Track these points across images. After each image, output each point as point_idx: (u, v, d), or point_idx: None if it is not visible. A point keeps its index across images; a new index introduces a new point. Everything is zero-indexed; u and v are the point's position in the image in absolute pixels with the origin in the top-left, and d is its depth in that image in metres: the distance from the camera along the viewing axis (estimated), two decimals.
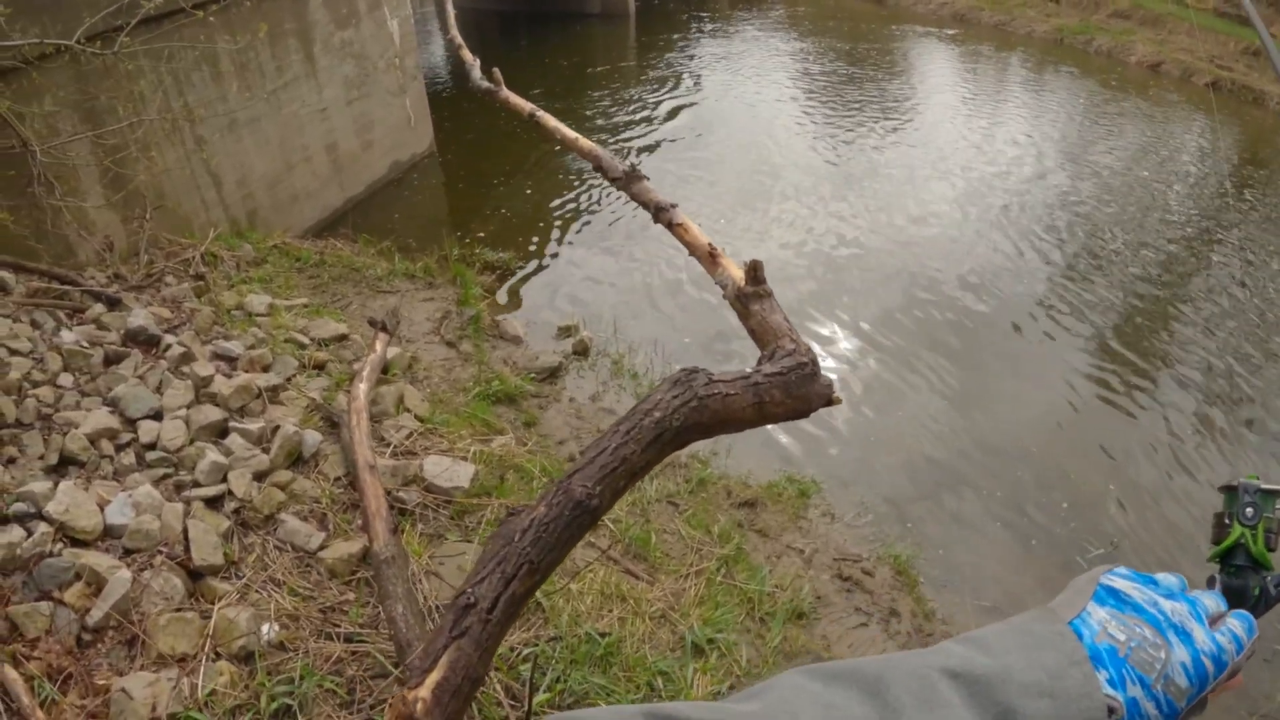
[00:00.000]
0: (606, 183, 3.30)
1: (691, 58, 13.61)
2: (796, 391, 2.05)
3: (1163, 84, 16.40)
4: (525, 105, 4.13)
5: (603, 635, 3.38)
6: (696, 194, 9.24)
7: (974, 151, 11.23)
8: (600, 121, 11.92)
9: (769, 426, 5.37)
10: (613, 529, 4.27)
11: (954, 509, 5.26)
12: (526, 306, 7.27)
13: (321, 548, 3.31)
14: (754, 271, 2.33)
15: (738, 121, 11.23)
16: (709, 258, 2.56)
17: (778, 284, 7.63)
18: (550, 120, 3.91)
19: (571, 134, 3.66)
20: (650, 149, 10.85)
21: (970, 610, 4.51)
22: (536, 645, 3.07)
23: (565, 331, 6.49)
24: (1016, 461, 5.78)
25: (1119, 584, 0.63)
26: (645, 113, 12.09)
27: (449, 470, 3.96)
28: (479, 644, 1.34)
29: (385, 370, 4.98)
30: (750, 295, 2.32)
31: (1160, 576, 0.66)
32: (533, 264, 8.06)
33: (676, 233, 2.65)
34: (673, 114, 11.95)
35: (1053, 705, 0.54)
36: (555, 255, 8.35)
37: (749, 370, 2.07)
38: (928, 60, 15.42)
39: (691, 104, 12.25)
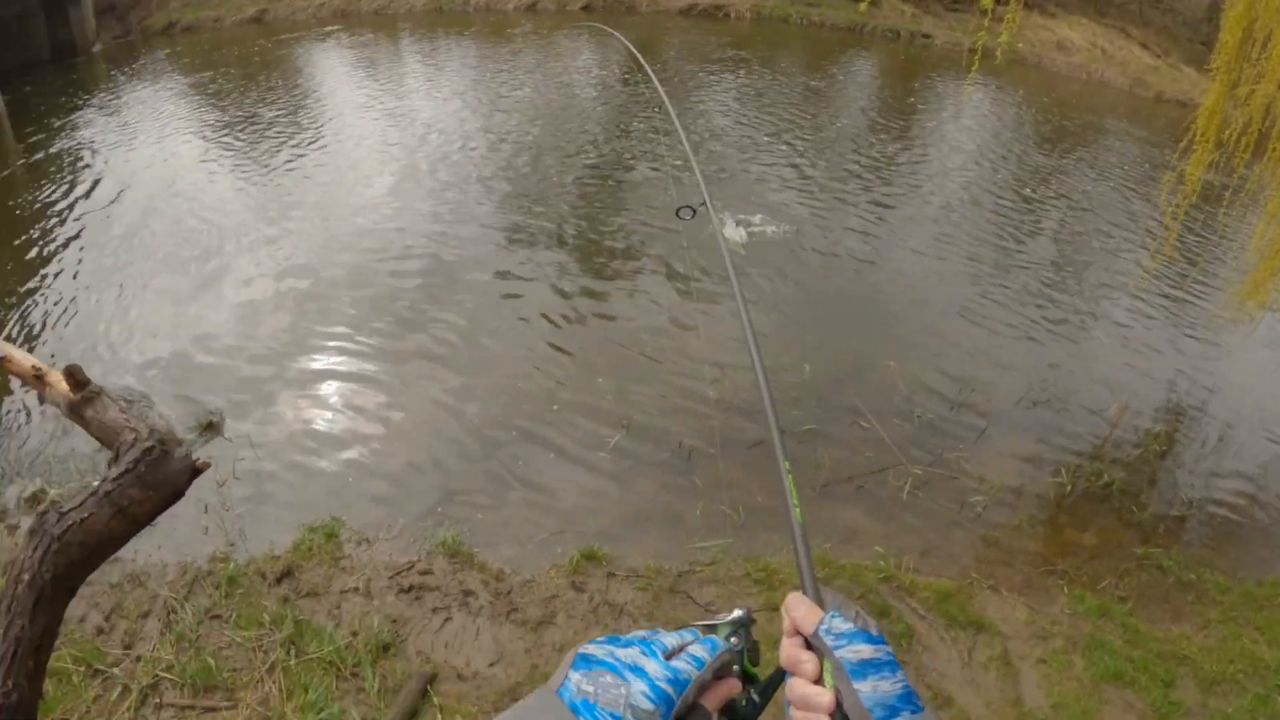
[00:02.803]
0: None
1: (84, 139, 11.78)
2: (153, 480, 1.95)
3: (544, 18, 18.33)
4: None
5: None
6: (114, 283, 7.94)
7: (393, 131, 11.50)
8: None
9: (259, 497, 4.86)
10: (170, 676, 3.84)
11: (476, 469, 5.46)
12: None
13: None
14: (72, 377, 2.14)
15: (145, 190, 9.98)
16: (37, 380, 2.28)
17: (240, 341, 6.95)
18: None
19: None
20: (57, 253, 9.25)
21: (536, 547, 4.79)
22: None
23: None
24: (512, 396, 6.17)
25: (589, 649, 0.82)
26: (45, 213, 10.24)
27: None
28: None
29: None
30: (80, 403, 2.14)
31: (630, 635, 0.86)
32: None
33: (4, 368, 2.32)
34: (70, 207, 10.34)
35: None
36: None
37: (96, 483, 1.93)
38: (321, 62, 15.31)
39: (90, 189, 10.69)
